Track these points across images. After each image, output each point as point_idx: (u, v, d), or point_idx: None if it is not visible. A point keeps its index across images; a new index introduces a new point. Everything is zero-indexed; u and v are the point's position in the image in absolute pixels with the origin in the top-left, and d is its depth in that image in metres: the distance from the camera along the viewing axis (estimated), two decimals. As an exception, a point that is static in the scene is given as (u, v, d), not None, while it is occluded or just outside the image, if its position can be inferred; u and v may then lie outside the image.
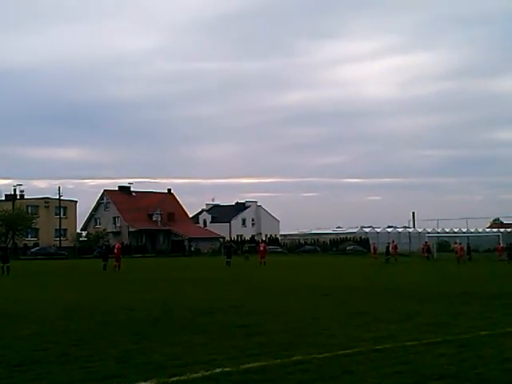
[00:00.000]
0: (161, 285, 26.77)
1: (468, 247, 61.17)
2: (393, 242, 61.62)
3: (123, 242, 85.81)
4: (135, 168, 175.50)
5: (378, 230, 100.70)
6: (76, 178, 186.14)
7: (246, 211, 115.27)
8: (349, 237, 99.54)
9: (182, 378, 8.04)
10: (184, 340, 11.12)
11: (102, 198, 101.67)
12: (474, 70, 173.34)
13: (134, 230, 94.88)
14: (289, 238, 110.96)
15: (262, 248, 49.73)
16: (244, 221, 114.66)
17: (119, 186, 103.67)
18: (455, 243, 66.33)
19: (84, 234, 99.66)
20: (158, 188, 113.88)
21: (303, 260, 55.40)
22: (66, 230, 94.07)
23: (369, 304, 17.77)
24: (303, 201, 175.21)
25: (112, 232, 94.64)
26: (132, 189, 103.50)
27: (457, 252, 58.25)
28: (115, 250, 42.57)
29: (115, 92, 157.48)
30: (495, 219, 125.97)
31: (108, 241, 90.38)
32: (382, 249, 62.87)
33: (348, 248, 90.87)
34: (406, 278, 31.44)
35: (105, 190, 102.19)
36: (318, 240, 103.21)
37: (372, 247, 68.25)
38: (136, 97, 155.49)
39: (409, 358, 9.26)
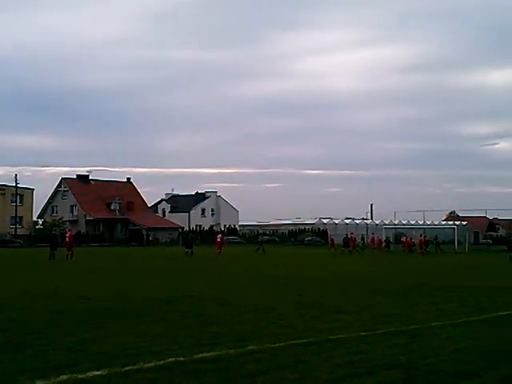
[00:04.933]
0: (117, 274, 26.54)
1: (426, 240, 62.29)
2: (351, 233, 62.39)
3: (79, 231, 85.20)
4: (94, 156, 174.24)
5: (337, 222, 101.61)
6: (34, 165, 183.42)
7: (206, 201, 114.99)
8: (307, 228, 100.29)
9: (135, 367, 8.00)
10: (139, 330, 11.05)
11: (59, 186, 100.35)
12: (436, 65, 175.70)
13: (91, 218, 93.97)
14: (248, 228, 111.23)
15: (218, 239, 50.02)
16: (203, 211, 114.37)
17: (77, 175, 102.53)
18: (405, 236, 67.78)
19: (40, 222, 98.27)
20: (116, 177, 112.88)
21: (261, 250, 55.44)
22: (21, 217, 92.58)
23: (325, 295, 17.90)
24: (263, 191, 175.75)
25: (69, 220, 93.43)
26: (90, 177, 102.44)
27: (404, 245, 59.86)
28: (66, 239, 41.15)
29: (76, 79, 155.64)
30: (451, 212, 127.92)
31: (65, 229, 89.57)
32: (340, 240, 63.67)
33: (306, 239, 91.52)
34: (363, 270, 31.78)
35: (63, 178, 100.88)
36: (276, 231, 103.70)
37: (329, 239, 69.24)
38: (97, 85, 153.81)
39: (362, 348, 9.37)
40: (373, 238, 70.00)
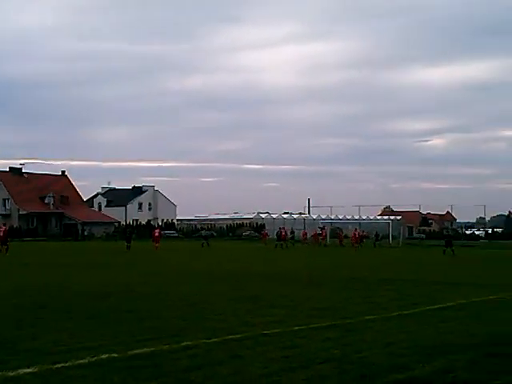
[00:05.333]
0: (50, 269, 26.01)
1: (363, 235, 63.54)
2: (282, 227, 63.07)
3: (12, 225, 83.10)
4: (28, 149, 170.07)
5: (274, 216, 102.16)
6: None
7: (143, 195, 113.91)
8: (245, 222, 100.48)
9: (67, 364, 7.85)
10: (71, 326, 10.86)
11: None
12: (371, 61, 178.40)
13: (24, 212, 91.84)
14: (185, 223, 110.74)
15: (156, 234, 50.18)
16: (140, 205, 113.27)
17: (10, 167, 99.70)
18: (340, 231, 69.18)
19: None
20: (51, 170, 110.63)
21: (199, 245, 55.33)
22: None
23: (261, 289, 17.97)
24: (201, 186, 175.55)
25: (1, 214, 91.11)
26: (24, 170, 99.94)
27: (322, 237, 61.41)
28: (1, 234, 40.67)
29: (8, 70, 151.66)
30: (386, 207, 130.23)
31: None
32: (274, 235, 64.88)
33: (244, 234, 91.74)
34: (299, 264, 32.02)
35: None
36: (214, 225, 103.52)
37: (264, 233, 70.29)
38: (31, 76, 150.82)
39: (296, 343, 9.42)
40: (305, 232, 71.52)
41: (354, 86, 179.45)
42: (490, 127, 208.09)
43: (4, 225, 47.68)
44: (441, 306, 14.44)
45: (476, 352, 8.88)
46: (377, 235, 66.54)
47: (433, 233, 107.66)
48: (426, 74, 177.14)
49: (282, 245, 54.81)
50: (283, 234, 58.14)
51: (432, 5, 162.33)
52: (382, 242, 67.28)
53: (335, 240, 67.93)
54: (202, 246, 54.34)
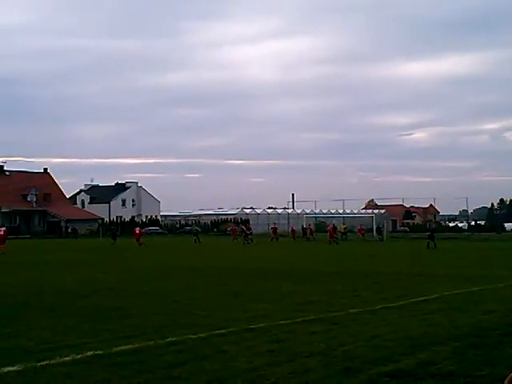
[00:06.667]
0: (32, 267, 25.83)
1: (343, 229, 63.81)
2: (274, 223, 63.27)
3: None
4: (9, 146, 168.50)
5: (259, 211, 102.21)
6: None
7: (126, 192, 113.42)
8: (229, 218, 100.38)
9: (52, 361, 7.80)
10: (55, 323, 10.79)
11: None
12: (353, 56, 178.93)
13: (6, 210, 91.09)
14: (170, 218, 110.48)
15: (137, 231, 51.13)
16: (124, 201, 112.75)
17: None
18: (309, 224, 69.37)
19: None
20: (33, 167, 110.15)
21: (183, 241, 55.25)
22: None
23: (246, 284, 17.98)
24: (185, 182, 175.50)
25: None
26: (5, 168, 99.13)
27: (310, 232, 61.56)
28: (1, 232, 42.11)
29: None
30: (370, 200, 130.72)
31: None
32: (262, 229, 64.82)
33: (228, 229, 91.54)
34: (284, 259, 32.08)
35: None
36: (199, 221, 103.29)
37: (232, 228, 70.44)
38: (9, 73, 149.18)
39: (281, 337, 9.42)
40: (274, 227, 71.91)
41: (334, 80, 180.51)
42: (472, 120, 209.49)
43: (3, 225, 48.93)
44: (424, 298, 14.52)
45: (460, 343, 8.93)
46: (379, 228, 66.63)
47: (416, 226, 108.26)
48: (408, 68, 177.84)
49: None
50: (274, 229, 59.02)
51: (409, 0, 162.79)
52: (366, 236, 67.51)
53: (319, 234, 68.01)
54: (195, 242, 54.64)
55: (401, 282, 18.47)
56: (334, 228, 59.78)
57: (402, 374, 7.22)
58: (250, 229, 61.20)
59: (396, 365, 7.64)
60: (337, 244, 52.06)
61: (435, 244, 43.34)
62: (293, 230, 69.58)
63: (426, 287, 16.95)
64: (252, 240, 55.28)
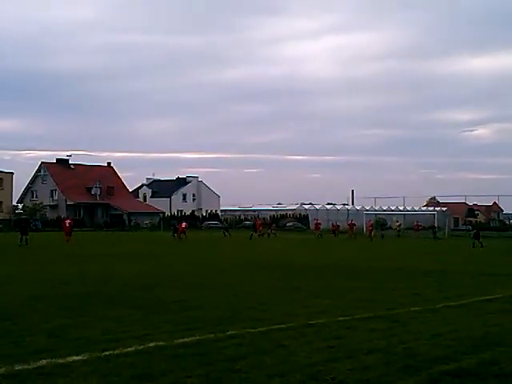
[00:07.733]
0: (97, 259, 26.46)
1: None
2: (315, 219, 63.25)
3: (60, 216, 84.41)
4: (75, 141, 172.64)
5: (318, 207, 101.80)
6: (13, 149, 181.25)
7: (187, 186, 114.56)
8: (289, 213, 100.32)
9: (115, 352, 7.98)
10: (118, 315, 11.04)
11: (39, 170, 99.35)
12: (414, 51, 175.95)
13: (71, 203, 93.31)
14: (229, 213, 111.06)
15: (183, 226, 52.02)
16: (184, 196, 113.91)
17: (57, 159, 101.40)
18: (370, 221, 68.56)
19: (20, 206, 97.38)
20: (97, 161, 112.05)
21: (243, 236, 55.55)
22: (1, 202, 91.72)
23: (304, 280, 17.98)
24: (245, 177, 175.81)
25: (49, 205, 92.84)
26: (70, 161, 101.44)
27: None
28: (67, 225, 43.92)
29: (54, 63, 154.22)
30: (431, 198, 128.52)
31: (45, 214, 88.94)
32: (324, 225, 64.86)
33: (288, 224, 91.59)
34: (343, 255, 31.92)
35: (42, 162, 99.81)
36: (258, 216, 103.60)
37: (314, 223, 70.09)
38: (75, 69, 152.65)
39: (341, 333, 9.41)
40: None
41: (395, 76, 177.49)
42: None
43: (69, 217, 50.62)
44: (487, 297, 14.26)
45: (524, 344, 8.77)
46: (433, 227, 65.91)
47: (479, 224, 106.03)
48: (472, 63, 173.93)
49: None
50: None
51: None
52: (426, 232, 66.53)
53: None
54: (224, 235, 57.45)
55: (462, 281, 18.17)
56: (381, 224, 59.62)
57: (463, 373, 7.13)
58: (274, 227, 63.69)
59: (457, 364, 7.55)
60: (370, 241, 52.40)
61: (481, 243, 42.53)
62: (351, 226, 68.44)
63: (488, 287, 16.64)
64: (275, 234, 59.23)
